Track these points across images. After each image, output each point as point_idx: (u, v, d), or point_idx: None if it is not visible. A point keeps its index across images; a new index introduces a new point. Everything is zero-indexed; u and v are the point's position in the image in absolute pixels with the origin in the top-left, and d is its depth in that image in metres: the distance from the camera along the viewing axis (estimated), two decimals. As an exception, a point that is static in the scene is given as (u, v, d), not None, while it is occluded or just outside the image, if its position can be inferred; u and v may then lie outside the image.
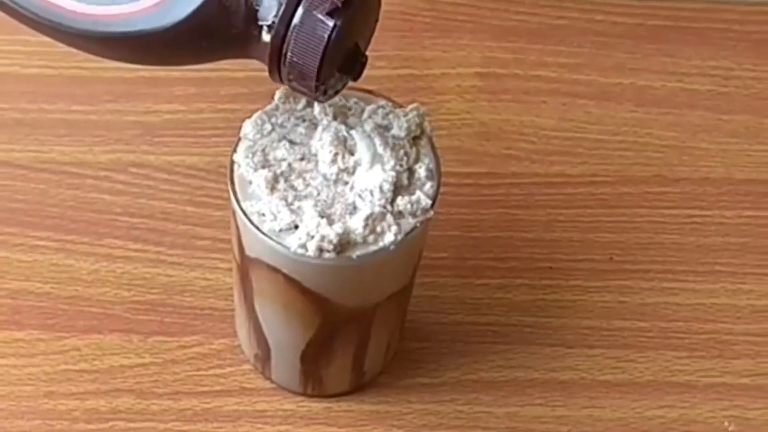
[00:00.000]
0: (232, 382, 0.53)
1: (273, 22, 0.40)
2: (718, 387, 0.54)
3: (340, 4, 0.39)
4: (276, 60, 0.41)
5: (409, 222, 0.44)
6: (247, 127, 0.46)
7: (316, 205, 0.44)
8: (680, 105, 0.63)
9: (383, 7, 0.65)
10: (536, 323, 0.56)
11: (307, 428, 0.52)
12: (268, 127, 0.46)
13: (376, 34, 0.64)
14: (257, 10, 0.40)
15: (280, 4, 0.40)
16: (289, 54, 0.40)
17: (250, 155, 0.45)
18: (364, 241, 0.44)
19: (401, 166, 0.45)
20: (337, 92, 0.43)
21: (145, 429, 0.52)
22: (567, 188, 0.60)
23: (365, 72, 0.43)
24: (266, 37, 0.40)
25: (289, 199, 0.44)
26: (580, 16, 0.66)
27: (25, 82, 0.62)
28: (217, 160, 0.59)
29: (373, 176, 0.44)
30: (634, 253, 0.58)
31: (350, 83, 0.43)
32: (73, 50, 0.61)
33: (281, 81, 0.42)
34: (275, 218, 0.44)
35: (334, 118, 0.46)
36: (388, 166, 0.45)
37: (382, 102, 0.47)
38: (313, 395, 0.53)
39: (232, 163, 0.45)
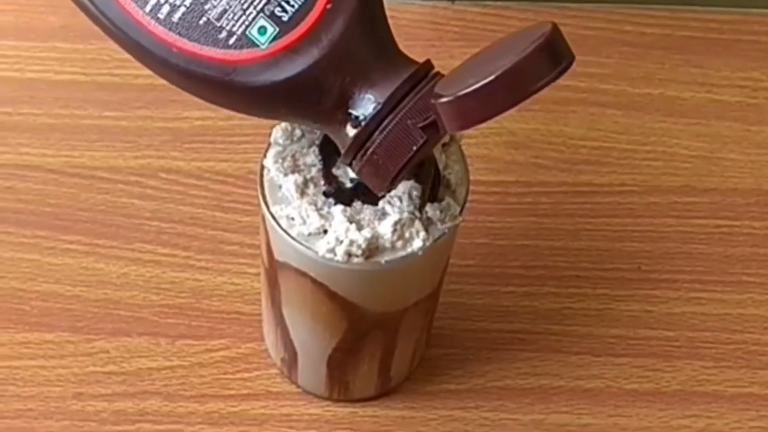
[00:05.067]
0: (259, 386, 0.54)
1: (363, 117, 0.40)
2: (745, 397, 0.54)
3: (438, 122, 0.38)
4: (355, 150, 0.41)
5: (437, 228, 0.45)
6: (277, 133, 0.46)
7: (345, 211, 0.44)
8: (709, 116, 0.63)
9: (412, 17, 0.66)
10: (562, 331, 0.56)
11: (332, 433, 0.53)
12: (298, 133, 0.46)
13: (404, 43, 0.65)
14: (350, 98, 0.40)
15: (378, 103, 0.40)
16: (371, 151, 0.40)
17: (280, 160, 0.45)
18: (393, 247, 0.44)
19: (431, 172, 0.45)
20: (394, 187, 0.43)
21: (171, 431, 0.52)
22: (595, 197, 0.60)
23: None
24: (351, 128, 0.40)
25: (319, 204, 0.44)
26: (609, 27, 0.66)
27: (58, 88, 0.62)
28: (246, 166, 0.60)
29: (402, 182, 0.45)
30: (661, 263, 0.58)
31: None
32: (105, 57, 0.63)
33: (350, 166, 0.42)
34: (304, 222, 0.44)
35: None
36: (417, 173, 0.45)
37: (412, 109, 0.47)
38: (339, 400, 0.53)
39: (262, 167, 0.46)
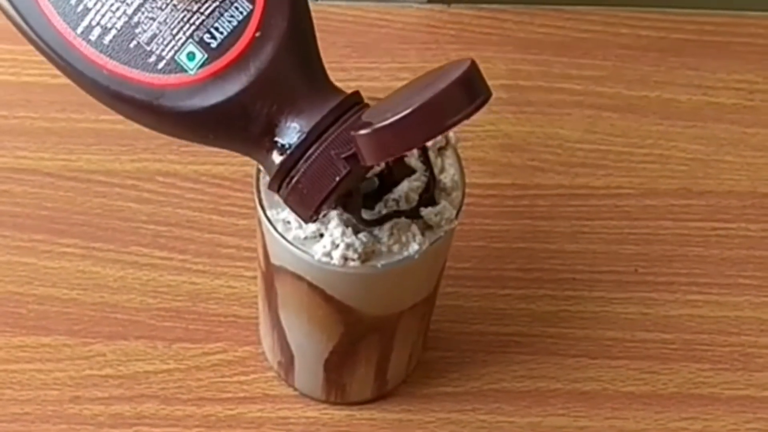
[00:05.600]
0: (256, 389, 0.54)
1: (289, 145, 0.40)
2: (741, 399, 0.54)
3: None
4: (280, 178, 0.41)
5: (433, 232, 0.45)
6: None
7: (341, 214, 0.44)
8: (705, 118, 0.63)
9: (408, 20, 0.66)
10: (559, 334, 0.56)
11: (329, 436, 0.53)
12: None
13: (400, 46, 0.65)
14: (277, 126, 0.40)
15: (303, 132, 0.40)
16: (295, 180, 0.40)
17: (276, 164, 0.45)
18: (389, 250, 0.44)
19: (426, 176, 0.45)
20: (322, 216, 0.43)
21: (169, 435, 0.52)
22: (591, 200, 0.60)
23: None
24: (278, 156, 0.41)
25: (315, 208, 0.44)
26: (605, 29, 0.66)
27: (55, 91, 0.62)
28: (243, 169, 0.60)
29: (398, 186, 0.45)
30: (658, 265, 0.58)
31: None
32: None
33: (277, 193, 0.42)
34: (300, 226, 0.44)
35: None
36: (413, 176, 0.45)
37: (408, 112, 0.47)
38: (336, 403, 0.53)
39: (258, 171, 0.46)
